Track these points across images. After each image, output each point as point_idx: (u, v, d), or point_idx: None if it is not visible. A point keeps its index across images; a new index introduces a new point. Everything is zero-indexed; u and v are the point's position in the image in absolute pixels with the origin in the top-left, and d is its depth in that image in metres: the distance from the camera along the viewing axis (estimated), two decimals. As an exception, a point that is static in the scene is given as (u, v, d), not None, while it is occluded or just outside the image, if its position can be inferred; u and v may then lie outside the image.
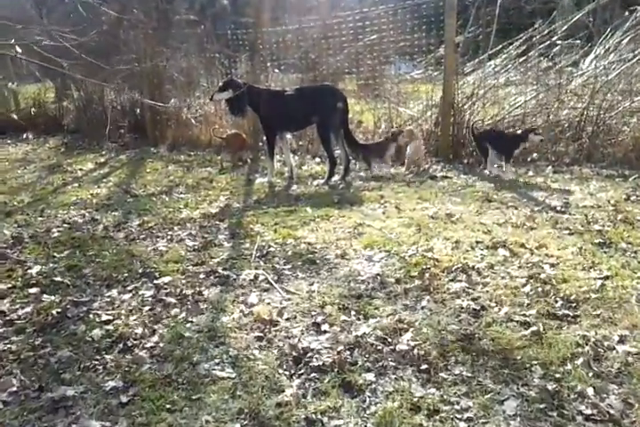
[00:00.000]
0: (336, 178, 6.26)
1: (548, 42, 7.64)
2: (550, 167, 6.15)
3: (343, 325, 2.81)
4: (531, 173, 6.01)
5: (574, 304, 2.90)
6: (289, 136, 6.82)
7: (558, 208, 4.63)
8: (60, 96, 11.86)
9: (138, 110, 10.09)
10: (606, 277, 3.19)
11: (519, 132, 6.22)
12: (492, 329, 2.68)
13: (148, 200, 5.70)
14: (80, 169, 7.72)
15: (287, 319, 2.92)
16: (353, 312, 2.93)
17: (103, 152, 9.02)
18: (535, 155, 6.65)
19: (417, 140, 6.53)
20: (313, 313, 2.96)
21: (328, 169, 6.23)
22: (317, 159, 7.42)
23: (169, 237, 4.42)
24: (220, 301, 3.17)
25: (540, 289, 3.07)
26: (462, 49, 7.60)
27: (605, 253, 3.59)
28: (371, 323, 2.81)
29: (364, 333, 2.71)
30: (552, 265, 3.41)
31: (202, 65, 10.11)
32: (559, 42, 7.71)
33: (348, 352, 2.53)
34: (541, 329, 2.65)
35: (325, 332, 2.73)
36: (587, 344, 2.49)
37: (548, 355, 2.42)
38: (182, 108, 9.65)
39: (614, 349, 2.45)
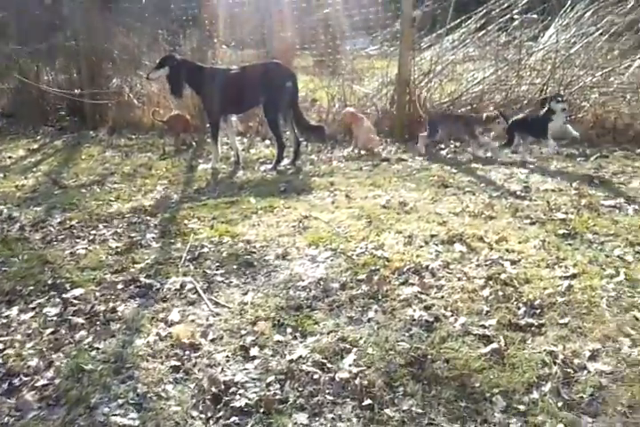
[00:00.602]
0: (285, 162, 5.81)
1: (508, 16, 7.28)
2: (509, 147, 5.82)
3: (276, 347, 2.41)
4: (489, 154, 5.67)
5: (539, 311, 2.57)
6: (234, 118, 6.30)
7: (518, 193, 4.31)
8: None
9: (77, 91, 9.33)
10: (573, 276, 2.87)
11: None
12: (446, 346, 2.32)
13: (76, 192, 5.15)
14: (9, 157, 7.05)
15: (212, 341, 2.51)
16: (289, 329, 2.54)
17: (38, 137, 8.30)
18: (493, 133, 6.31)
19: (364, 121, 6.10)
20: (243, 332, 2.55)
21: (276, 153, 5.78)
22: (267, 142, 6.92)
23: (91, 237, 3.92)
24: (135, 319, 2.73)
25: (500, 293, 2.73)
26: (419, 23, 7.16)
27: (570, 245, 3.28)
28: (309, 343, 2.42)
29: (300, 356, 2.32)
30: (513, 262, 3.07)
31: (144, 42, 9.40)
32: (518, 16, 7.36)
33: (279, 385, 2.14)
34: (503, 344, 2.31)
35: (254, 358, 2.33)
36: (554, 363, 2.16)
37: (512, 379, 2.08)
38: (124, 89, 8.97)
39: (585, 368, 2.13)
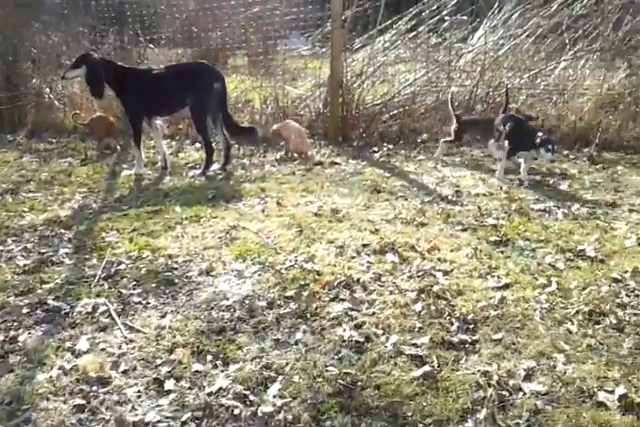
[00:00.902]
0: (215, 167, 5.55)
1: (437, 17, 7.30)
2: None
3: (194, 378, 2.20)
4: (421, 157, 5.63)
5: (472, 326, 2.48)
6: (159, 121, 5.99)
7: (450, 197, 4.26)
8: None
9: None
10: (506, 286, 2.82)
11: None
12: (377, 370, 2.19)
13: (-15, 203, 4.72)
14: None
15: (124, 373, 2.27)
16: (209, 357, 2.33)
17: (-51, 143, 7.63)
18: (425, 136, 6.31)
19: (291, 124, 5.93)
20: (158, 362, 2.32)
21: (205, 158, 5.51)
22: (197, 145, 6.60)
23: (-4, 254, 3.56)
24: (38, 349, 2.44)
25: (432, 307, 2.62)
26: (350, 24, 7.07)
27: (502, 253, 3.23)
28: (230, 372, 2.23)
29: (221, 388, 2.12)
30: (445, 273, 2.99)
31: (64, 40, 8.84)
32: (448, 17, 7.40)
33: (195, 424, 1.93)
34: (436, 365, 2.20)
35: (169, 392, 2.11)
36: (489, 385, 2.06)
37: (445, 406, 1.97)
38: (44, 90, 8.40)
39: (520, 389, 2.04)
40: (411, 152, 5.88)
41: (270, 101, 7.32)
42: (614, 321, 2.44)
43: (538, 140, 4.40)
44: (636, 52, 6.76)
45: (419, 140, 6.26)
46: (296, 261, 3.18)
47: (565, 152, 5.57)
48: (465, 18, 7.87)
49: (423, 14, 7.35)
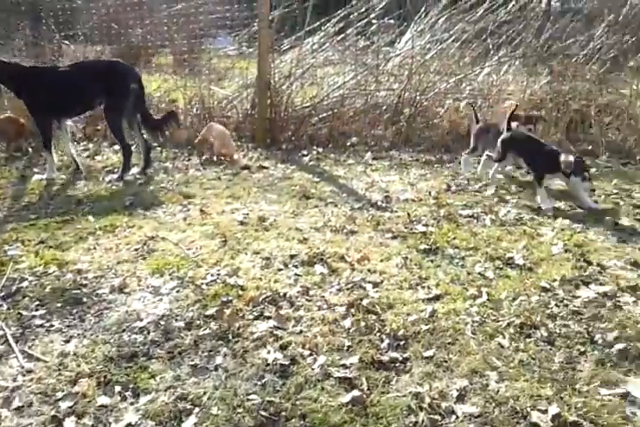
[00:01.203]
0: (134, 171, 5.23)
1: (365, 20, 7.26)
2: (370, 153, 5.74)
3: (99, 413, 1.96)
4: (350, 161, 5.54)
5: (403, 342, 2.37)
6: (69, 122, 5.58)
7: (380, 203, 4.18)
8: None
9: None
10: (436, 298, 2.73)
11: None
12: (303, 396, 2.02)
13: None
14: None
15: (17, 410, 1.99)
16: (118, 388, 2.09)
17: None
18: (355, 139, 6.23)
19: (214, 125, 5.69)
20: (59, 395, 2.06)
21: (122, 162, 5.18)
22: (116, 147, 6.23)
23: None
24: None
25: (362, 323, 2.49)
26: (278, 24, 6.90)
27: (432, 262, 3.16)
28: (141, 404, 2.00)
29: (129, 424, 1.89)
30: (375, 284, 2.87)
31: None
32: (376, 21, 7.38)
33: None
34: (365, 389, 2.06)
35: (68, 433, 1.86)
36: (421, 409, 1.95)
37: (375, 435, 1.83)
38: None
39: (453, 412, 1.94)
40: (340, 156, 5.78)
41: (196, 102, 7.04)
42: (545, 334, 2.40)
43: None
44: (557, 58, 6.97)
45: (348, 144, 6.18)
46: (218, 274, 2.97)
47: (491, 157, 5.62)
48: (392, 22, 7.90)
49: (351, 17, 7.31)
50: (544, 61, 7.07)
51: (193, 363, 2.24)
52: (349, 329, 2.45)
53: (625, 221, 3.82)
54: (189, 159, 5.70)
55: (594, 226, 3.73)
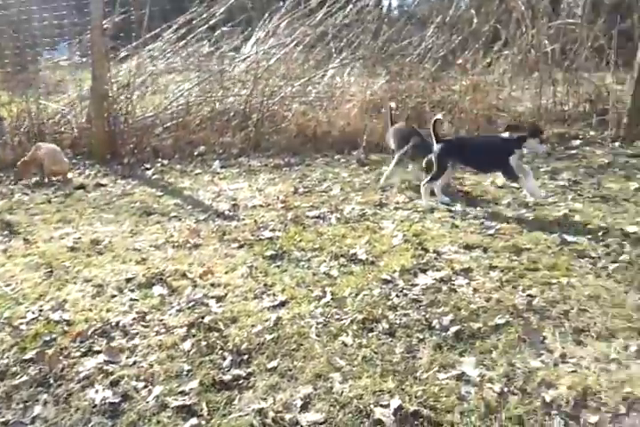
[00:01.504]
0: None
1: (207, 25, 7.10)
2: (218, 161, 5.59)
3: None
4: (198, 171, 5.35)
5: (247, 356, 2.25)
6: None
7: (227, 213, 4.04)
8: None
9: None
10: (282, 304, 2.65)
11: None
12: (136, 435, 1.83)
13: None
14: None
15: None
16: None
17: None
18: (202, 148, 6.03)
19: (49, 149, 5.21)
20: None
21: None
22: None
23: None
24: None
25: (203, 343, 2.34)
26: (114, 32, 6.51)
27: (279, 267, 3.08)
28: None
29: None
30: (219, 299, 2.73)
31: None
32: (219, 27, 7.25)
33: None
34: (206, 414, 1.91)
35: None
36: (264, 425, 1.84)
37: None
38: None
39: (298, 423, 1.86)
40: (187, 166, 5.57)
41: (24, 118, 6.41)
42: (386, 326, 2.41)
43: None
44: (394, 59, 7.30)
45: (195, 154, 5.97)
46: (41, 311, 2.65)
47: (337, 156, 5.73)
48: (236, 28, 7.79)
49: (194, 22, 7.11)
50: (382, 63, 7.37)
51: (4, 419, 1.94)
52: (189, 352, 2.29)
53: (458, 207, 4.03)
54: (15, 183, 5.15)
55: (430, 215, 3.89)
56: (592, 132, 6.29)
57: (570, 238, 3.41)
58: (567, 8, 7.10)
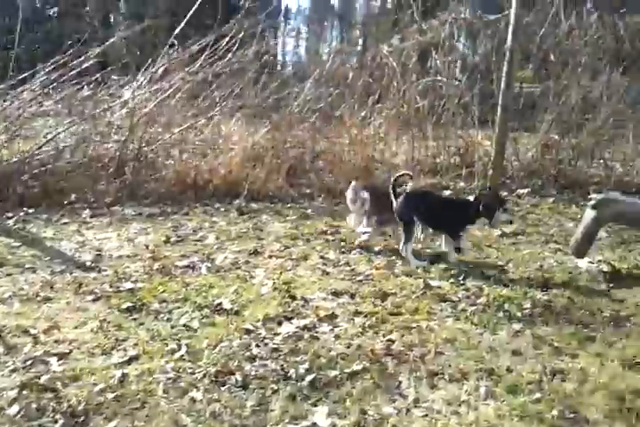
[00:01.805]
0: None
1: (79, 69, 6.88)
2: (88, 210, 5.30)
3: None
4: (65, 220, 5.03)
5: (82, 418, 2.05)
6: None
7: (88, 264, 3.80)
8: None
9: None
10: (131, 360, 2.48)
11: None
12: None
13: None
14: None
15: None
16: None
17: None
18: (73, 196, 5.71)
19: None
20: None
21: None
22: None
23: None
24: None
25: (34, 405, 2.11)
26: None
27: (135, 320, 2.91)
28: None
29: None
30: (62, 356, 2.50)
31: None
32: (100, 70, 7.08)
33: None
34: None
35: None
36: None
37: None
38: None
39: None
40: (54, 215, 5.21)
41: None
42: (240, 378, 2.31)
43: None
44: (275, 110, 7.47)
45: (65, 202, 5.62)
46: None
47: (217, 205, 5.67)
48: (116, 73, 7.63)
49: (68, 66, 6.87)
50: (263, 113, 7.52)
51: None
52: (15, 416, 2.05)
53: (331, 255, 4.08)
54: None
55: (304, 262, 3.90)
56: (462, 183, 6.76)
57: (433, 283, 3.55)
58: (434, 66, 7.73)
